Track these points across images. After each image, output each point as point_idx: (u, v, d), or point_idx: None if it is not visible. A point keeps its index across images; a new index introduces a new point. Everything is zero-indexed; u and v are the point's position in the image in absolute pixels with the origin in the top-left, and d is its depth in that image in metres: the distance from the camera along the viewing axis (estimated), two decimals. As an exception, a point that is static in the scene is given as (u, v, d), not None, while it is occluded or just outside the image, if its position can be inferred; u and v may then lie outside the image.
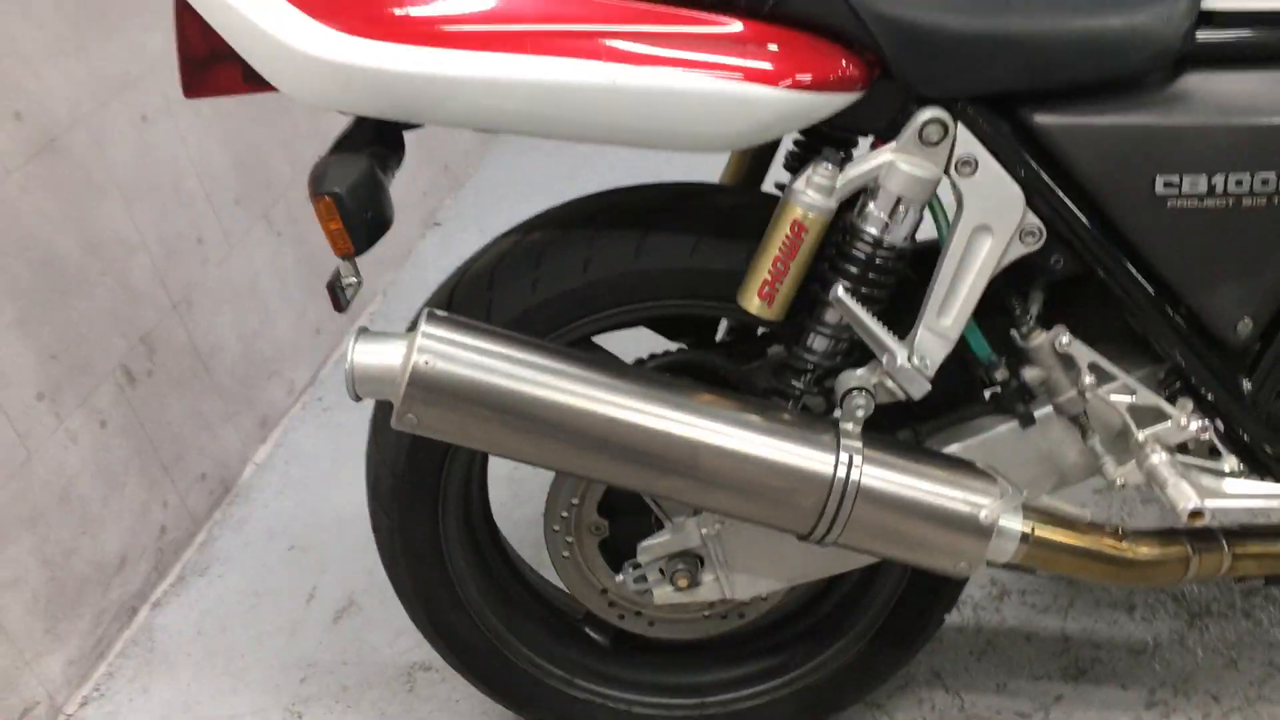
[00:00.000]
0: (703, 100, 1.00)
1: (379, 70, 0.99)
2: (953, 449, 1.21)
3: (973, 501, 1.10)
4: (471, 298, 1.22)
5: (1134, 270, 1.11)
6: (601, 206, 1.24)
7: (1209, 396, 1.16)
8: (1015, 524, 1.12)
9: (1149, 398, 1.16)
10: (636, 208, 1.22)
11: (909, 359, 1.11)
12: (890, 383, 1.12)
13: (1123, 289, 1.12)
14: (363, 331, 1.04)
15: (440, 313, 1.05)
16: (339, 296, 1.15)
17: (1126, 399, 1.16)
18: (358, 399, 1.03)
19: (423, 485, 1.26)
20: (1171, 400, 1.18)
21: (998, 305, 1.16)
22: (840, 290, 1.10)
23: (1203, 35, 1.05)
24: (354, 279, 1.17)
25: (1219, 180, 1.06)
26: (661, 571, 1.27)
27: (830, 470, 1.08)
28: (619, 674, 1.43)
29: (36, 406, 1.65)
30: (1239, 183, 1.06)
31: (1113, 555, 1.17)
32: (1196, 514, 1.11)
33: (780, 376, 1.18)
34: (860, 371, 1.14)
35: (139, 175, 1.85)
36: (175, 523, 1.92)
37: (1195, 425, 1.16)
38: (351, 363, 1.02)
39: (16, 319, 1.62)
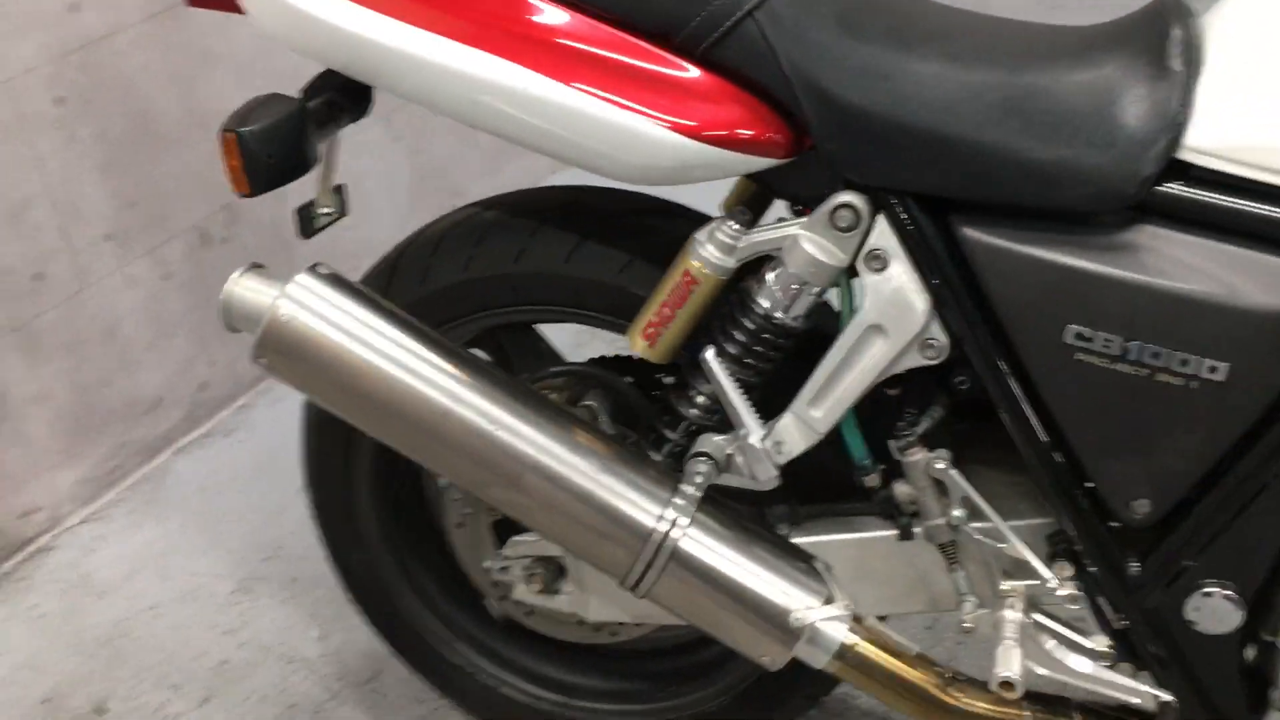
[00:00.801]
0: (606, 130, 0.96)
1: (324, 22, 1.00)
2: (825, 539, 1.14)
3: (789, 599, 1.04)
4: (416, 260, 1.23)
5: (1032, 415, 1.00)
6: (565, 200, 1.22)
7: (1091, 569, 1.04)
8: (835, 634, 1.05)
9: (1021, 551, 1.05)
10: (594, 210, 1.20)
11: (763, 440, 1.05)
12: (740, 459, 1.06)
13: (1018, 431, 1.01)
14: (254, 267, 1.06)
15: (324, 270, 1.06)
16: (305, 222, 1.18)
17: (996, 545, 1.06)
18: (232, 330, 1.06)
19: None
20: (1050, 559, 1.06)
21: (888, 407, 1.07)
22: (710, 353, 1.05)
23: (1168, 187, 0.92)
24: (330, 211, 1.20)
25: (1134, 347, 0.93)
26: (523, 569, 1.26)
27: (651, 525, 1.04)
28: (499, 650, 1.43)
29: (101, 245, 1.78)
30: (1156, 355, 0.93)
31: (933, 697, 1.08)
32: (1006, 684, 1.02)
33: (661, 418, 1.14)
34: (717, 439, 1.08)
35: (258, 56, 1.90)
36: (218, 382, 2.03)
37: (1065, 594, 1.05)
38: (227, 293, 1.04)
39: (101, 162, 1.74)
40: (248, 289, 1.03)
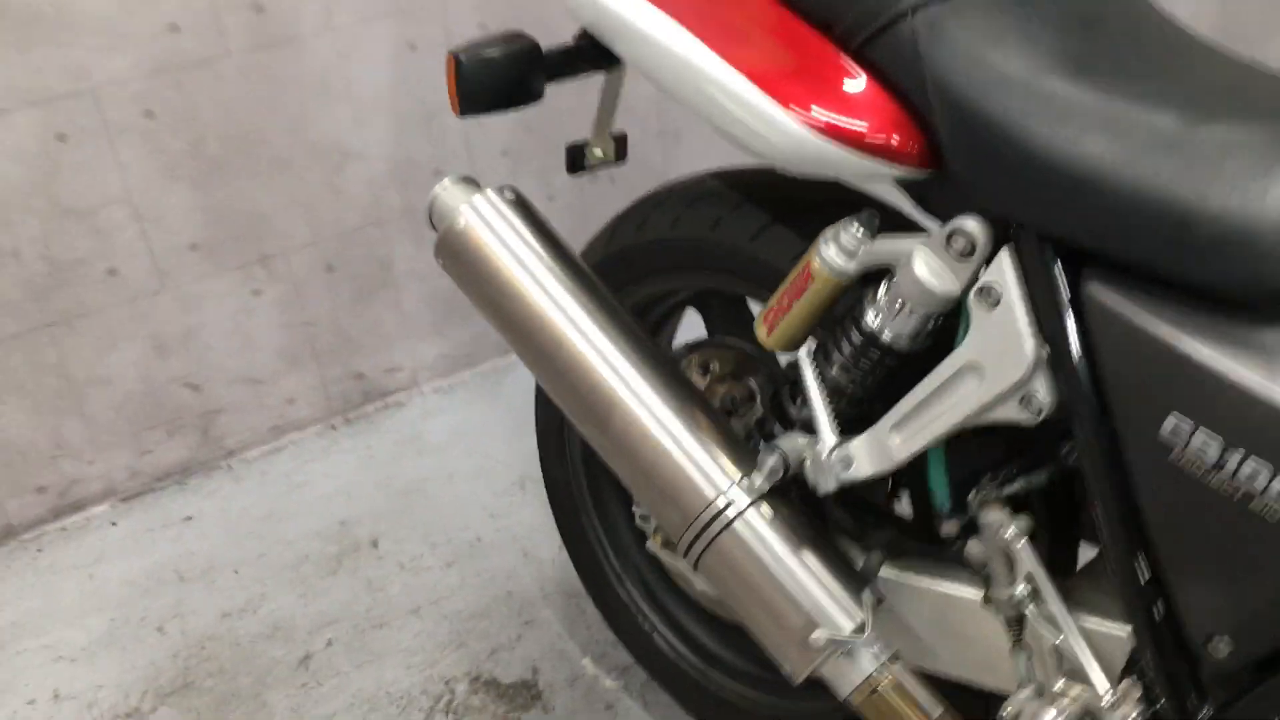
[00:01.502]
0: (727, 96, 0.97)
1: None
2: (913, 579, 1.07)
3: (817, 615, 0.99)
4: (641, 209, 1.30)
5: (1119, 510, 0.86)
6: (777, 181, 1.22)
7: (1157, 700, 0.88)
8: (861, 666, 0.98)
9: (1078, 651, 0.91)
10: (796, 196, 1.19)
11: (831, 454, 1.00)
12: (809, 465, 1.01)
13: (1105, 523, 0.88)
14: (463, 179, 1.19)
15: (509, 194, 1.16)
16: (573, 160, 1.31)
17: (1055, 637, 0.92)
18: (431, 227, 1.20)
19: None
20: (1120, 674, 0.91)
21: (988, 457, 0.97)
22: (804, 350, 1.01)
23: None
24: (602, 155, 1.31)
25: (1236, 460, 0.78)
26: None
27: (710, 497, 1.04)
28: (659, 597, 1.48)
29: (186, 254, 1.90)
30: (1255, 475, 0.77)
31: None
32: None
33: (773, 406, 1.11)
34: (800, 439, 1.04)
35: (380, 96, 1.91)
36: (308, 400, 2.11)
37: (1121, 713, 0.89)
38: (433, 194, 1.18)
39: (190, 176, 1.84)
40: (448, 192, 1.15)
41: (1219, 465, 0.79)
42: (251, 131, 1.85)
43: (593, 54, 1.19)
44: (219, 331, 1.97)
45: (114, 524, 1.97)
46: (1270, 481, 0.76)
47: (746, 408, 1.19)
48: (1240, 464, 0.78)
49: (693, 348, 1.25)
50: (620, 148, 1.32)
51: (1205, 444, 0.79)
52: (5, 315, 1.79)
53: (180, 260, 1.89)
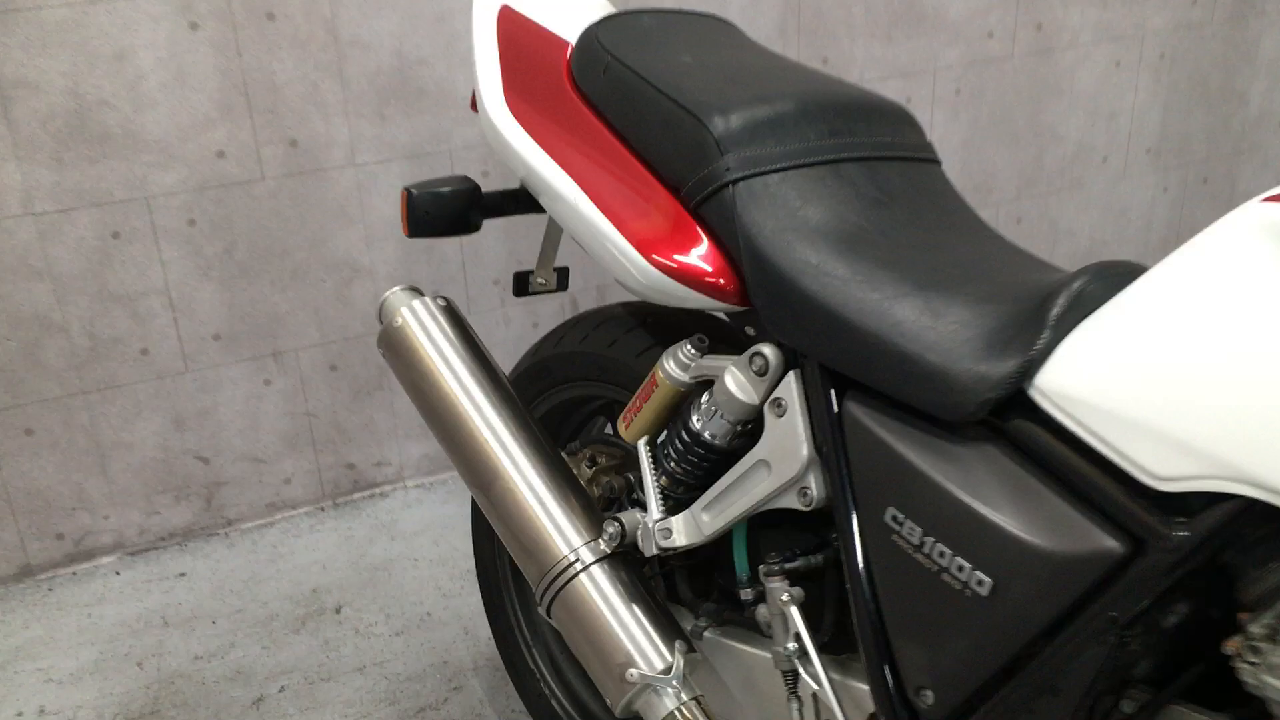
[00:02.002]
0: (598, 238, 1.24)
1: (505, 141, 1.39)
2: (728, 643, 1.27)
3: (634, 657, 1.20)
4: (566, 327, 1.56)
5: (860, 583, 1.08)
6: (665, 312, 1.47)
7: None
8: (664, 701, 1.19)
9: (829, 698, 1.11)
10: (677, 323, 1.44)
11: (654, 526, 1.23)
12: (639, 534, 1.24)
13: (852, 594, 1.09)
14: (410, 288, 1.46)
15: (442, 301, 1.43)
16: (519, 285, 1.58)
17: (812, 687, 1.13)
18: (379, 322, 1.47)
19: None
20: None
21: (779, 538, 1.19)
22: (642, 442, 1.25)
23: (1012, 416, 0.97)
24: (544, 284, 1.59)
25: (930, 543, 1.00)
26: None
27: (561, 553, 1.26)
28: (559, 663, 1.69)
29: (210, 343, 2.20)
30: (943, 555, 0.98)
31: None
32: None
33: (628, 487, 1.35)
34: (636, 513, 1.27)
35: (390, 224, 2.24)
36: (302, 483, 2.38)
37: None
38: (385, 296, 1.45)
39: (225, 278, 2.15)
40: (395, 296, 1.42)
41: (919, 548, 1.01)
42: (277, 244, 2.17)
43: (529, 201, 1.47)
44: (231, 413, 2.25)
45: (118, 573, 2.22)
46: (954, 559, 0.98)
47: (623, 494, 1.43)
48: (935, 547, 0.99)
49: (586, 443, 1.49)
50: (562, 279, 1.59)
51: (913, 529, 1.01)
52: (50, 380, 2.09)
53: (204, 347, 2.19)
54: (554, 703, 1.68)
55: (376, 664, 1.95)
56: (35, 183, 1.97)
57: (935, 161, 1.30)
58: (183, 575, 2.21)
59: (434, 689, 1.89)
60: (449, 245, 2.30)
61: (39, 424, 2.11)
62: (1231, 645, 0.85)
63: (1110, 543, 0.89)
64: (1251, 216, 0.86)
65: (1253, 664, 0.84)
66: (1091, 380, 0.91)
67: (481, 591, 1.77)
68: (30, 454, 2.13)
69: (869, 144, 1.24)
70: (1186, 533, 0.84)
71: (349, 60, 2.10)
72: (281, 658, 1.97)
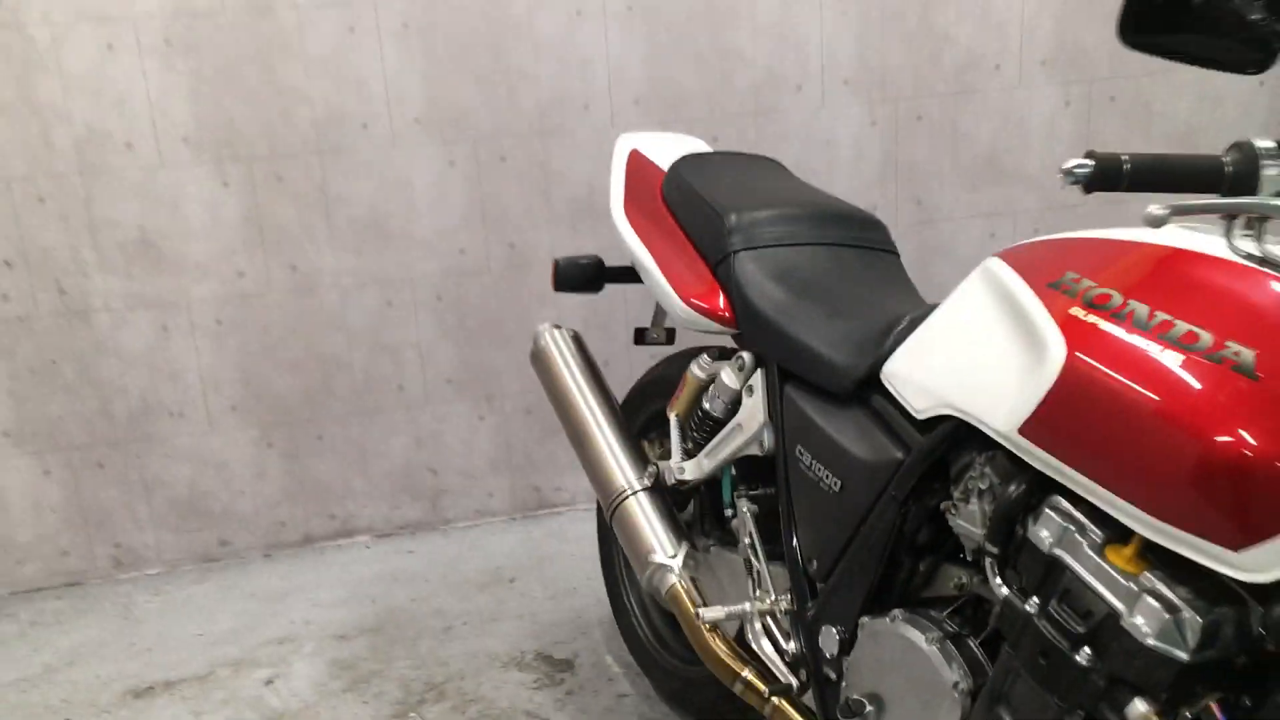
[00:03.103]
0: (661, 290, 1.96)
1: (621, 231, 2.15)
2: (723, 549, 1.91)
3: (654, 548, 1.86)
4: (659, 364, 2.28)
5: (785, 497, 1.71)
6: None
7: (795, 599, 1.68)
8: (667, 578, 1.84)
9: (765, 574, 1.73)
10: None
11: (674, 466, 1.89)
12: (667, 473, 1.91)
13: (781, 505, 1.72)
14: (555, 324, 2.22)
15: (570, 331, 2.18)
16: (638, 336, 2.32)
17: (757, 565, 1.75)
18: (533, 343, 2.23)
19: None
20: (784, 588, 1.71)
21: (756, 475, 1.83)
22: (674, 415, 1.93)
23: (872, 390, 1.60)
24: (657, 338, 2.33)
25: (816, 464, 1.63)
26: None
27: (620, 485, 1.95)
28: (654, 619, 2.33)
29: (444, 385, 3.01)
30: (820, 469, 1.61)
31: (698, 632, 1.77)
32: (711, 625, 1.71)
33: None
34: (666, 461, 1.94)
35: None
36: (501, 497, 3.09)
37: (781, 606, 1.70)
38: (537, 329, 2.22)
39: (458, 339, 2.97)
40: (543, 327, 2.19)
41: (811, 467, 1.63)
42: (494, 317, 3.00)
43: (634, 274, 2.20)
44: (455, 439, 3.07)
45: (367, 547, 3.05)
46: (825, 471, 1.60)
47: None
48: (816, 464, 1.62)
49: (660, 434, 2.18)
50: (670, 335, 2.30)
51: (808, 457, 1.64)
52: (337, 403, 2.97)
53: (440, 388, 3.02)
54: (639, 631, 2.33)
55: (531, 614, 2.65)
56: (342, 265, 2.89)
57: (892, 253, 1.94)
58: (410, 552, 3.01)
59: (568, 633, 2.57)
60: (608, 317, 3.05)
61: (327, 433, 2.99)
62: (944, 506, 1.44)
63: (898, 453, 1.50)
64: (986, 265, 1.48)
65: (952, 514, 1.43)
66: (903, 366, 1.53)
67: (601, 564, 2.45)
68: (318, 454, 3.01)
69: (836, 236, 1.91)
70: (927, 439, 1.45)
71: (555, 187, 2.94)
72: (467, 605, 2.71)
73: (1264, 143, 1.00)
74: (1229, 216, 1.02)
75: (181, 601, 2.84)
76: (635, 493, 1.95)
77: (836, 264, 1.87)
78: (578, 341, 2.17)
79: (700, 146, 2.21)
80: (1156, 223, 0.98)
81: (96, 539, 2.95)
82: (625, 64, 2.89)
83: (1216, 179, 1.01)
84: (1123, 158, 1.00)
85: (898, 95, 3.02)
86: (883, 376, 1.54)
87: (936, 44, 3.01)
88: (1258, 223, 1.00)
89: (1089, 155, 1.01)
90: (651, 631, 2.33)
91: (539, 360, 2.17)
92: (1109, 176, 0.99)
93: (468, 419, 3.07)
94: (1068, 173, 1.02)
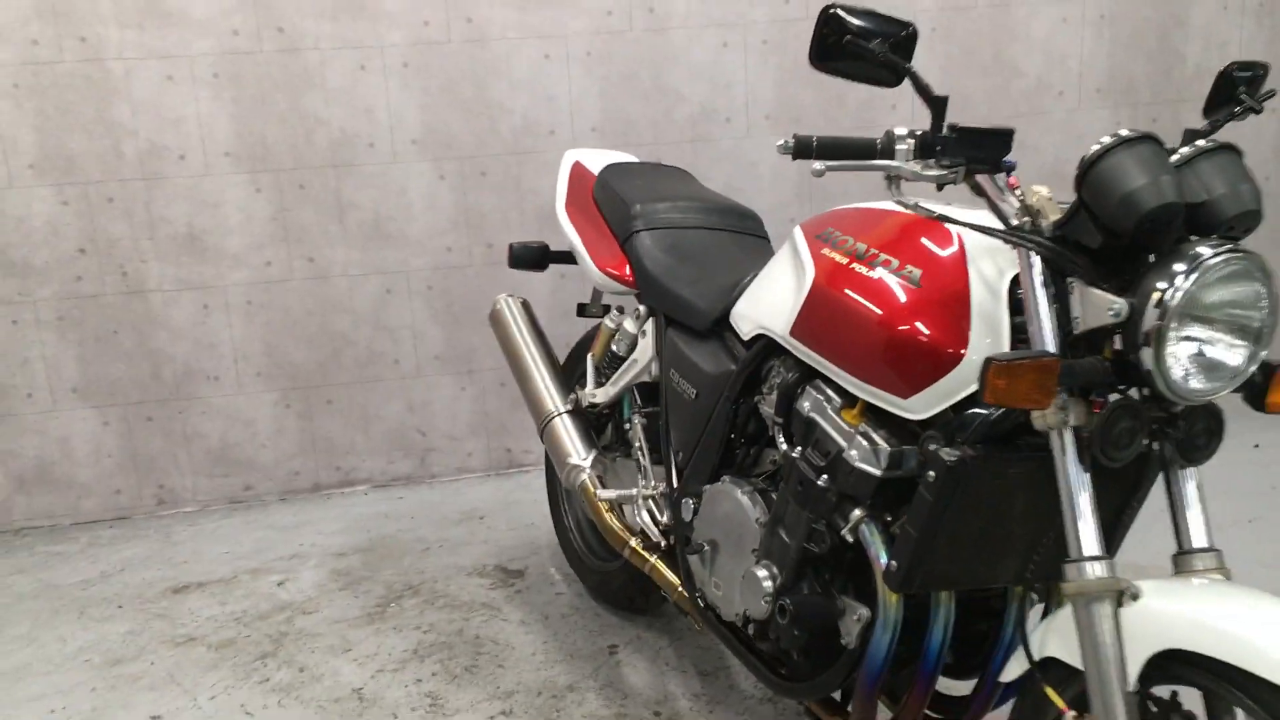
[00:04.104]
0: (585, 263, 2.54)
1: (559, 222, 2.75)
2: (621, 459, 2.48)
3: (572, 454, 2.43)
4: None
5: (664, 410, 2.27)
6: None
7: (665, 488, 2.24)
8: (579, 477, 2.40)
9: (648, 466, 2.29)
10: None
11: (590, 393, 2.47)
12: (583, 399, 2.49)
13: (662, 415, 2.29)
14: (511, 294, 2.81)
15: (521, 299, 2.76)
16: (580, 309, 2.90)
17: (645, 462, 2.32)
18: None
19: None
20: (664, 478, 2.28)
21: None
22: (590, 357, 2.51)
23: (725, 326, 2.18)
24: (596, 311, 2.91)
25: (681, 380, 2.20)
26: None
27: (549, 409, 2.53)
28: (585, 533, 2.89)
29: (433, 360, 3.58)
30: (683, 384, 2.18)
31: (600, 513, 2.34)
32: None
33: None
34: (588, 388, 2.52)
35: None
36: (479, 457, 3.68)
37: (660, 491, 2.26)
38: (498, 296, 2.80)
39: (444, 322, 3.55)
40: (500, 296, 2.77)
41: (678, 384, 2.20)
42: (475, 304, 3.58)
43: (572, 258, 2.79)
44: (441, 407, 3.64)
45: (365, 494, 3.62)
46: (686, 384, 2.17)
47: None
48: (680, 382, 2.19)
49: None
50: (605, 310, 2.87)
51: (678, 378, 2.21)
52: (344, 373, 3.55)
53: (429, 363, 3.60)
54: (573, 543, 2.88)
55: (494, 541, 3.21)
56: (350, 259, 3.48)
57: (762, 237, 2.51)
58: (401, 498, 3.57)
59: (522, 553, 3.13)
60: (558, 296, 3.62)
61: (335, 398, 3.57)
62: (758, 399, 2.00)
63: (732, 366, 2.07)
64: (792, 231, 2.05)
65: (762, 404, 1.99)
66: (741, 307, 2.11)
67: (548, 498, 3.01)
68: (328, 416, 3.58)
69: (717, 223, 2.48)
70: (749, 354, 2.02)
71: (526, 198, 3.53)
72: (443, 534, 3.27)
73: (900, 130, 1.58)
74: (889, 179, 1.59)
75: (211, 531, 3.41)
76: (560, 414, 2.52)
77: (714, 243, 2.44)
78: (526, 307, 2.75)
79: (628, 158, 2.80)
80: (795, 158, 1.58)
81: (144, 481, 3.53)
82: (584, 99, 3.49)
83: (873, 152, 1.59)
84: (814, 137, 1.57)
85: (810, 127, 3.61)
86: (730, 317, 2.12)
87: (840, 87, 3.60)
88: (895, 180, 1.57)
89: (794, 136, 1.59)
90: (581, 541, 2.89)
91: (495, 320, 2.75)
92: (803, 149, 1.57)
93: (452, 390, 3.64)
94: (781, 146, 1.59)
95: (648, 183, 2.61)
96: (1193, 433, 1.50)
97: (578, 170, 2.76)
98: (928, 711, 1.85)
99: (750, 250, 2.43)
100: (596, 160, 2.77)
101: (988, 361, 1.41)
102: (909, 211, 1.70)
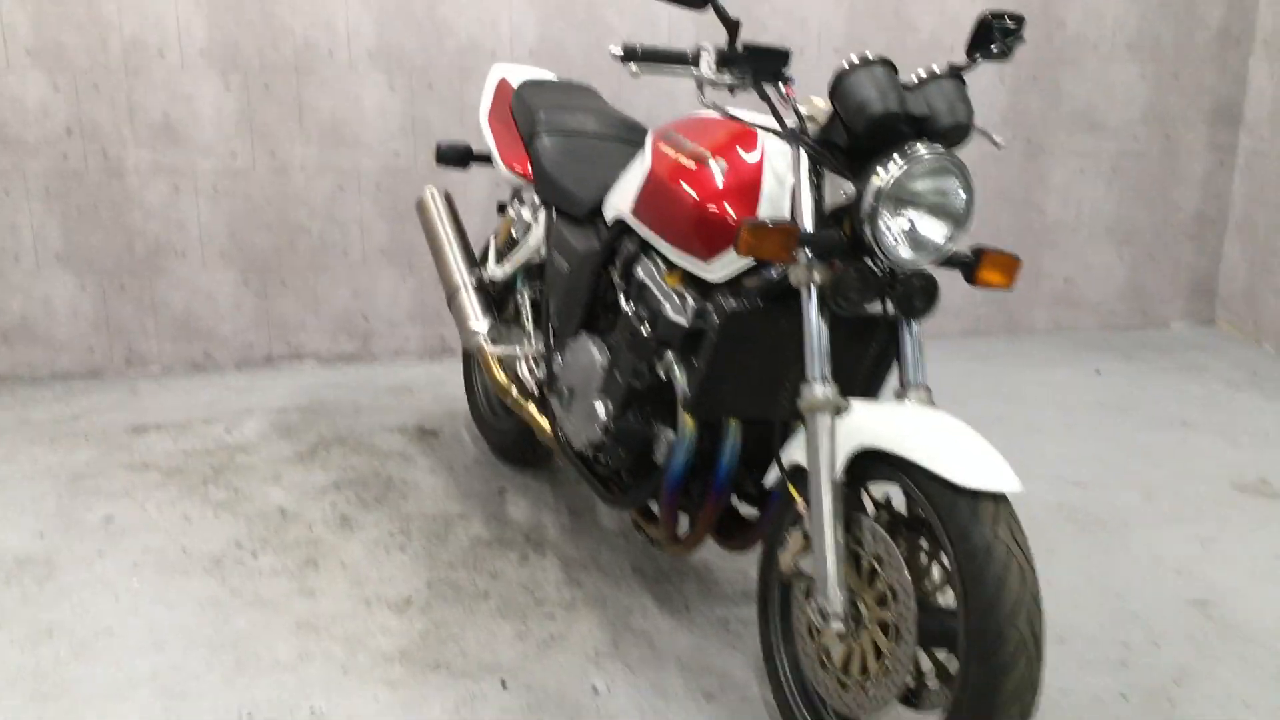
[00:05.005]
0: (497, 161, 2.94)
1: (481, 130, 3.14)
2: (512, 327, 2.90)
3: (473, 323, 2.84)
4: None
5: (549, 281, 2.68)
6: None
7: (547, 344, 2.66)
8: (478, 341, 2.82)
9: (531, 330, 2.71)
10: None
11: (491, 270, 2.88)
12: (487, 274, 2.90)
13: (543, 289, 2.70)
14: (434, 187, 3.20)
15: (444, 192, 3.16)
16: (503, 209, 3.30)
17: (528, 327, 2.73)
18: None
19: None
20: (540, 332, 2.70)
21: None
22: (492, 239, 2.92)
23: (595, 216, 2.58)
24: (511, 208, 3.30)
25: (561, 259, 2.61)
26: None
27: (456, 281, 2.94)
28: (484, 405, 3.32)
29: (380, 254, 3.99)
30: (561, 261, 2.59)
31: (492, 369, 2.76)
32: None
33: None
34: (490, 265, 2.93)
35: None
36: (416, 343, 4.08)
37: (537, 349, 2.68)
38: (425, 188, 3.20)
39: (390, 217, 3.94)
40: (427, 188, 3.17)
41: (553, 262, 2.61)
42: (414, 199, 3.98)
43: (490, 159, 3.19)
44: (383, 295, 4.05)
45: (313, 369, 4.03)
46: (562, 260, 2.58)
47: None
48: (557, 259, 2.60)
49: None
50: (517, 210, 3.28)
51: (559, 258, 2.62)
52: (298, 259, 3.95)
53: (375, 255, 4.01)
54: (479, 408, 3.31)
55: (419, 408, 3.64)
56: (308, 156, 3.87)
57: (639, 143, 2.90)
58: (343, 372, 3.99)
59: (441, 418, 3.56)
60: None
61: (289, 280, 3.97)
62: (612, 271, 2.42)
63: (597, 245, 2.48)
64: (648, 134, 2.45)
65: (614, 275, 2.40)
66: (611, 197, 2.51)
67: (462, 371, 3.43)
68: (282, 296, 3.98)
69: (608, 133, 2.87)
70: (608, 234, 2.43)
71: (468, 111, 3.91)
72: (376, 402, 3.69)
73: (706, 45, 1.98)
74: (699, 84, 1.99)
75: (172, 388, 3.83)
76: (464, 287, 2.93)
77: (603, 149, 2.84)
78: (448, 199, 3.15)
79: (546, 76, 3.18)
80: (624, 62, 1.97)
81: (115, 342, 3.93)
82: (523, 25, 3.86)
83: (685, 61, 1.99)
84: (639, 46, 1.97)
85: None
86: (603, 207, 2.52)
87: (604, 29, 3.98)
88: (702, 85, 1.98)
89: (623, 45, 1.98)
90: (486, 405, 3.31)
91: (420, 207, 3.15)
92: (630, 54, 1.97)
93: (394, 281, 4.04)
94: (614, 53, 1.99)
95: (557, 96, 3.00)
96: (910, 294, 1.92)
97: (502, 84, 3.14)
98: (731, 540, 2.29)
99: (632, 157, 2.83)
100: (518, 75, 3.15)
101: (742, 223, 1.83)
102: (716, 114, 2.10)
